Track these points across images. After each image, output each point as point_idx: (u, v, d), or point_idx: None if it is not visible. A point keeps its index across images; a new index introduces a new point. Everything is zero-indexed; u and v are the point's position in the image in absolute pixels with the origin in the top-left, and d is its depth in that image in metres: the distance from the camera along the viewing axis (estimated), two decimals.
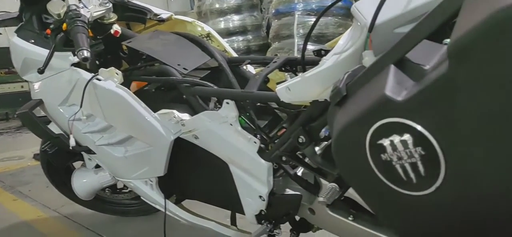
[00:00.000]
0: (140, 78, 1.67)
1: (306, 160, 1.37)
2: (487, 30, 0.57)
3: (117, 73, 1.53)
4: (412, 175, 0.75)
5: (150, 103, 1.55)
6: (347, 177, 0.89)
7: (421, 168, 0.73)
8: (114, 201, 2.23)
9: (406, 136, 0.72)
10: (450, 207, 0.74)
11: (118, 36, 1.64)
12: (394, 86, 0.72)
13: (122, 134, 1.62)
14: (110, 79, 1.54)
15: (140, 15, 1.82)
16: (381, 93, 0.72)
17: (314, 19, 3.13)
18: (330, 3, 3.11)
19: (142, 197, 1.76)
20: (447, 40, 0.80)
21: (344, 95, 0.86)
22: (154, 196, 1.70)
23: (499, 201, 0.70)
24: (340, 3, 3.09)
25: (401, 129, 0.72)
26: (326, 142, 1.48)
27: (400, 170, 0.76)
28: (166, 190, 1.71)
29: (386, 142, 0.75)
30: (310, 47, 3.09)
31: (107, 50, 1.72)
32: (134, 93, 1.57)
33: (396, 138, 0.73)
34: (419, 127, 0.70)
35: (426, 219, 0.80)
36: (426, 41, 0.78)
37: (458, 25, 0.63)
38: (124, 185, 2.06)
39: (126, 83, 1.58)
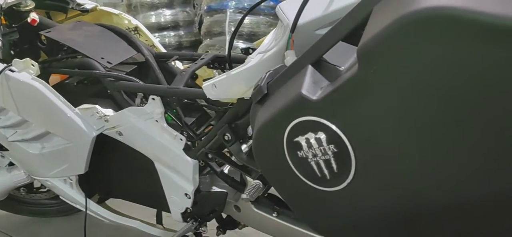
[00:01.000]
0: (59, 71, 1.58)
1: (232, 157, 1.38)
2: (390, 34, 0.61)
3: (33, 65, 1.44)
4: (325, 171, 0.78)
5: (70, 98, 1.47)
6: (266, 173, 0.91)
7: (334, 164, 0.76)
8: (30, 201, 2.09)
9: (320, 134, 0.75)
10: (360, 203, 0.78)
11: (35, 25, 1.55)
12: (311, 85, 0.75)
13: (39, 129, 1.52)
14: (25, 71, 1.44)
15: (61, 4, 1.72)
16: (298, 92, 0.75)
17: (246, 18, 3.15)
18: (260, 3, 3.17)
19: (61, 197, 1.67)
20: None
21: (265, 94, 0.88)
22: (74, 195, 1.62)
23: (406, 197, 0.75)
24: (271, 3, 3.14)
25: (315, 127, 0.75)
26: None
27: (315, 167, 0.79)
28: (88, 189, 1.64)
29: (302, 139, 0.77)
30: (242, 45, 3.11)
31: (23, 40, 1.61)
32: (53, 86, 1.49)
33: (311, 136, 0.76)
34: (332, 125, 0.73)
35: (339, 214, 0.83)
36: (345, 44, 0.82)
37: (367, 29, 0.67)
38: (41, 184, 1.94)
39: (44, 76, 1.49)
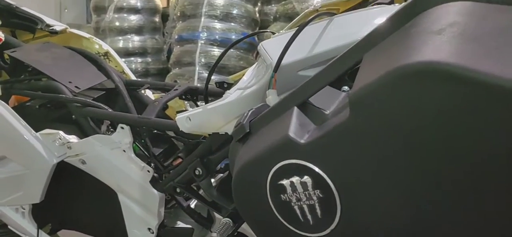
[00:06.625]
0: (23, 93, 1.50)
1: (201, 192, 1.34)
2: (384, 84, 0.61)
3: None
4: (309, 216, 0.76)
5: (32, 121, 1.39)
6: (245, 214, 0.89)
7: (318, 210, 0.75)
8: None
9: (306, 178, 0.73)
10: None
11: (0, 43, 1.47)
12: (297, 128, 0.74)
13: None
14: None
15: (29, 24, 1.65)
16: (285, 134, 0.73)
17: (216, 50, 3.18)
18: (233, 36, 3.22)
19: (10, 226, 1.56)
20: (345, 87, 0.85)
21: (247, 132, 0.86)
22: (25, 225, 1.51)
23: None
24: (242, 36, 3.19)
25: (302, 171, 0.73)
26: (221, 174, 1.47)
27: (298, 211, 0.77)
28: (40, 218, 1.53)
29: (286, 183, 0.75)
30: (212, 77, 3.10)
31: None
32: (14, 108, 1.41)
33: (296, 180, 0.74)
34: (319, 171, 0.72)
35: None
36: (327, 86, 0.82)
37: (359, 76, 0.68)
38: None
39: (5, 97, 1.41)
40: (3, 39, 1.47)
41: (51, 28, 1.65)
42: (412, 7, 0.68)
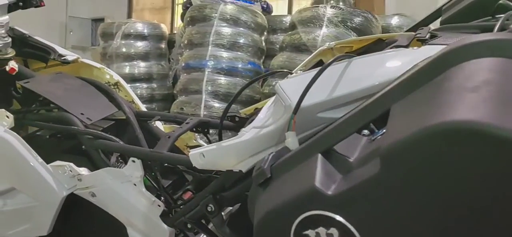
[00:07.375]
0: (34, 124, 1.49)
1: (210, 226, 1.32)
2: (418, 142, 0.61)
3: (7, 116, 1.35)
4: None
5: (42, 152, 1.38)
6: None
7: None
8: None
9: (333, 230, 0.72)
10: None
11: (14, 73, 1.47)
12: (323, 178, 0.73)
13: (4, 185, 1.41)
14: None
15: (42, 54, 1.66)
16: (311, 184, 0.72)
17: (223, 78, 3.19)
18: (239, 64, 3.24)
19: None
20: (366, 131, 0.85)
21: (269, 177, 0.85)
22: None
23: None
24: (248, 66, 3.21)
25: (328, 222, 0.72)
26: (230, 207, 1.45)
27: None
28: None
29: (312, 233, 0.74)
30: (217, 104, 3.11)
31: None
32: (23, 138, 1.40)
33: (322, 231, 0.73)
34: (346, 223, 0.71)
35: None
36: None
37: (390, 130, 0.67)
38: None
39: (17, 128, 1.40)
40: (16, 69, 1.47)
41: (63, 58, 1.65)
42: (443, 60, 0.68)
